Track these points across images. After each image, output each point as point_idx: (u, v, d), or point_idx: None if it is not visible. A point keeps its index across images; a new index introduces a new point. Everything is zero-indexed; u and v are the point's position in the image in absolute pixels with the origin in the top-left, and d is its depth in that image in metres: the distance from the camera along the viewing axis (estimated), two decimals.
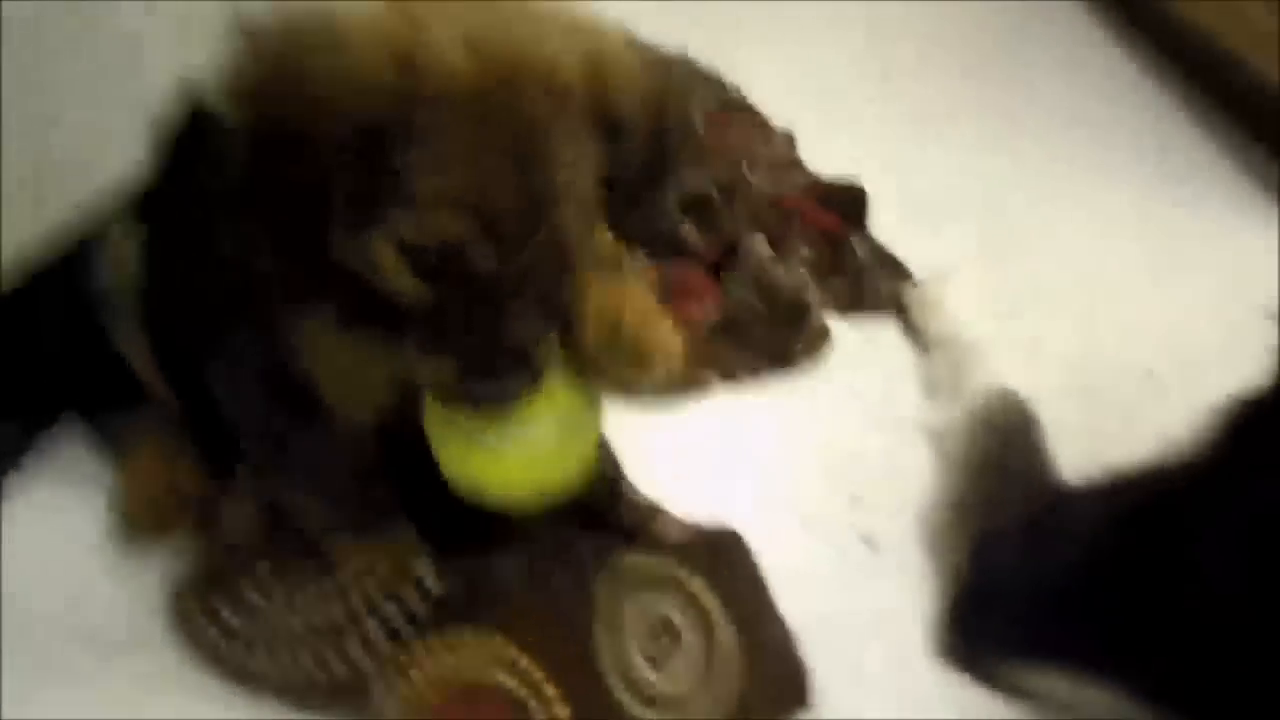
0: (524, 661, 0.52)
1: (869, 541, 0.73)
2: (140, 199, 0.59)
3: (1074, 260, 1.05)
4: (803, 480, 0.76)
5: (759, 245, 0.87)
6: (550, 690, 0.52)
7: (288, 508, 0.58)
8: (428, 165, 0.40)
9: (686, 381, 0.78)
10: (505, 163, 0.41)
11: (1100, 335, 0.95)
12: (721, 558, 0.58)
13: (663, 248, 0.89)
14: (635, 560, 0.58)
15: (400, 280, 0.43)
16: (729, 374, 0.80)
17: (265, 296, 0.48)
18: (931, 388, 0.84)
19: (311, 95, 0.40)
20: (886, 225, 1.02)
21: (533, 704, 0.51)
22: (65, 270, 0.63)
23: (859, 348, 0.88)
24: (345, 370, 0.49)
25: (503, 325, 0.43)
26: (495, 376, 0.44)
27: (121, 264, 0.56)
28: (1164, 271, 1.06)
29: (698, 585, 0.56)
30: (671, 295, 0.86)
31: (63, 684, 0.59)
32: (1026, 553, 0.63)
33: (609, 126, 0.44)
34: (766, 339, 0.83)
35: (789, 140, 1.17)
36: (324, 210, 0.41)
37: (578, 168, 0.43)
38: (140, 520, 0.61)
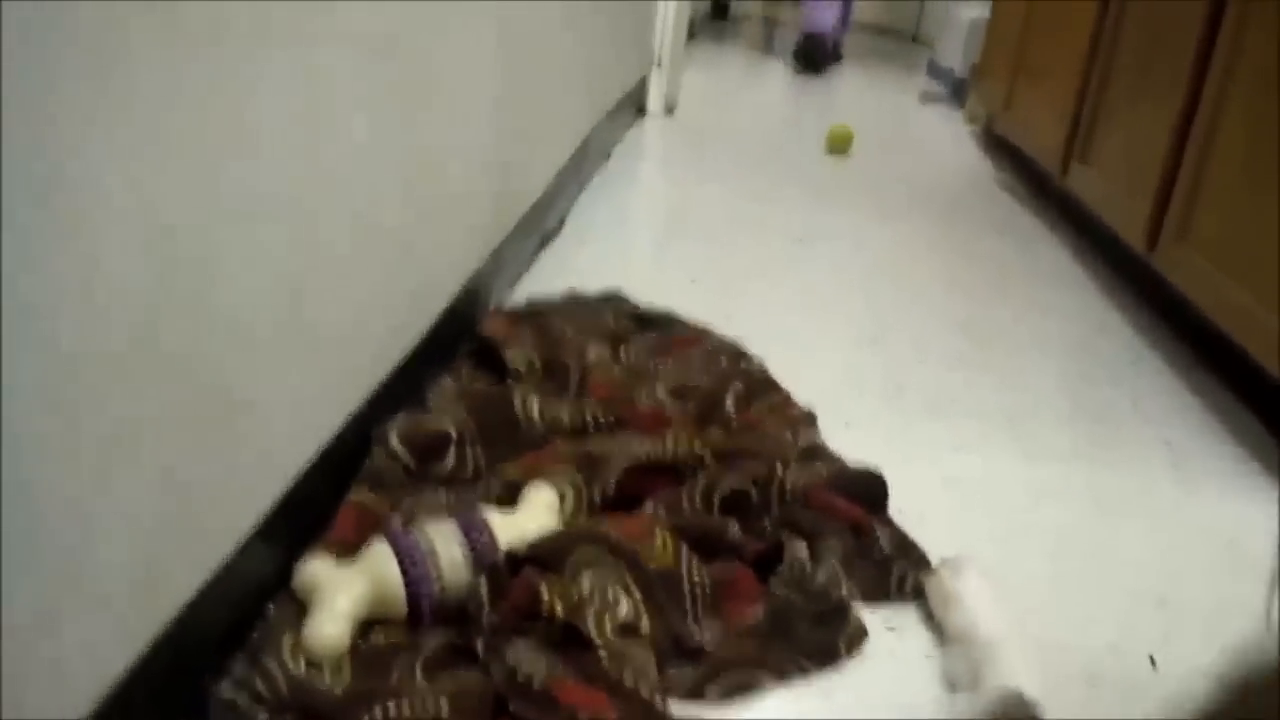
0: None
1: None
2: None
3: (1075, 543, 1.18)
4: None
5: (798, 548, 0.99)
6: None
7: None
8: None
9: (742, 683, 0.88)
10: None
11: (1102, 619, 1.06)
12: None
13: (710, 547, 1.00)
14: None
15: None
16: (782, 674, 0.90)
17: None
18: (950, 682, 0.94)
19: None
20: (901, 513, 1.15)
21: None
22: None
23: (881, 637, 0.99)
24: None
25: None
26: None
27: None
28: (1167, 552, 1.18)
29: None
30: (722, 596, 0.97)
31: None
32: None
33: None
34: (811, 638, 0.93)
35: (811, 420, 1.31)
36: None
37: None
38: None
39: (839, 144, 2.91)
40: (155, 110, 0.62)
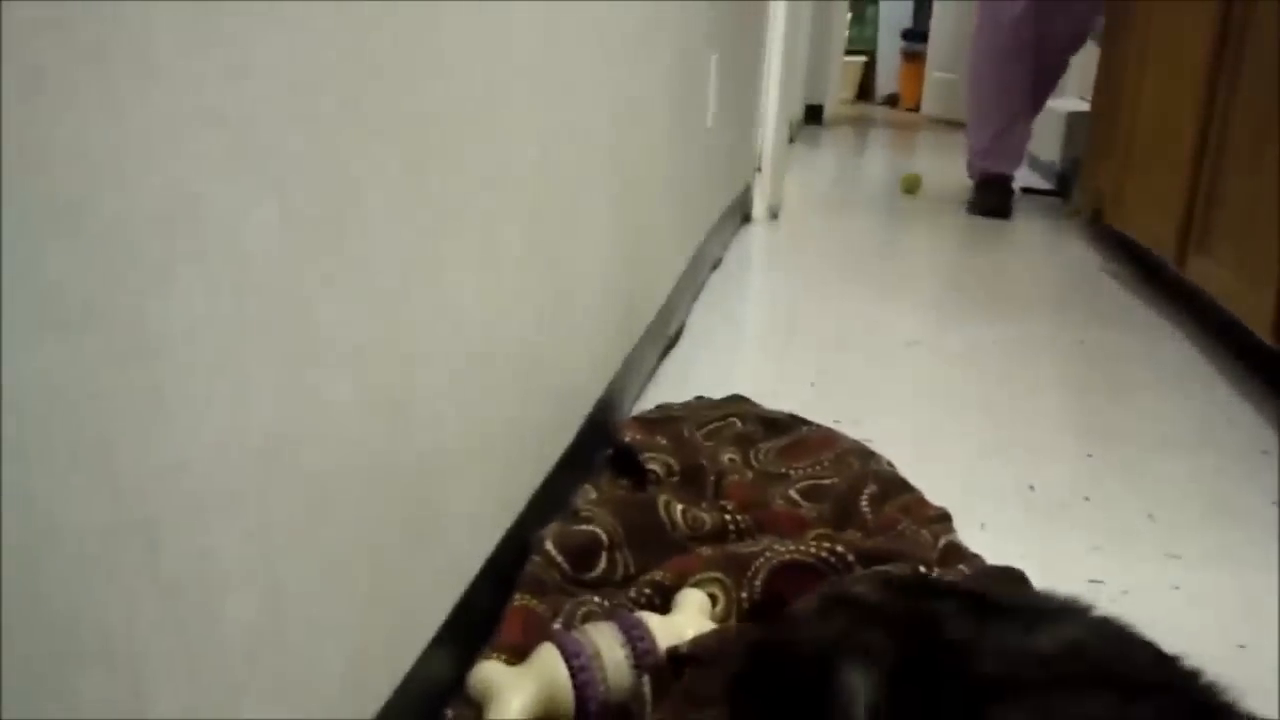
0: None
1: None
2: None
3: (1225, 646, 1.16)
4: None
5: None
6: None
7: None
8: None
9: None
10: None
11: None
12: None
13: None
14: None
15: None
16: None
17: None
18: None
19: None
20: None
21: None
22: None
23: None
24: None
25: None
26: None
27: None
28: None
29: None
30: None
31: None
32: None
33: None
34: None
35: (946, 520, 1.32)
36: None
37: None
38: None
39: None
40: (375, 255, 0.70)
